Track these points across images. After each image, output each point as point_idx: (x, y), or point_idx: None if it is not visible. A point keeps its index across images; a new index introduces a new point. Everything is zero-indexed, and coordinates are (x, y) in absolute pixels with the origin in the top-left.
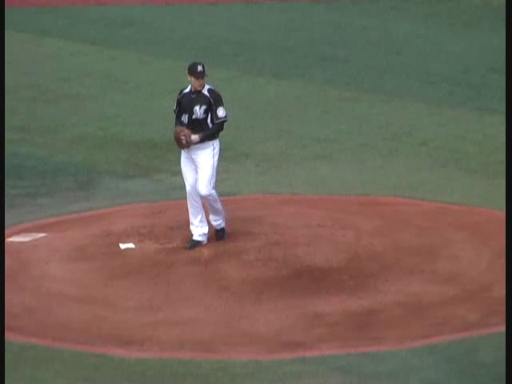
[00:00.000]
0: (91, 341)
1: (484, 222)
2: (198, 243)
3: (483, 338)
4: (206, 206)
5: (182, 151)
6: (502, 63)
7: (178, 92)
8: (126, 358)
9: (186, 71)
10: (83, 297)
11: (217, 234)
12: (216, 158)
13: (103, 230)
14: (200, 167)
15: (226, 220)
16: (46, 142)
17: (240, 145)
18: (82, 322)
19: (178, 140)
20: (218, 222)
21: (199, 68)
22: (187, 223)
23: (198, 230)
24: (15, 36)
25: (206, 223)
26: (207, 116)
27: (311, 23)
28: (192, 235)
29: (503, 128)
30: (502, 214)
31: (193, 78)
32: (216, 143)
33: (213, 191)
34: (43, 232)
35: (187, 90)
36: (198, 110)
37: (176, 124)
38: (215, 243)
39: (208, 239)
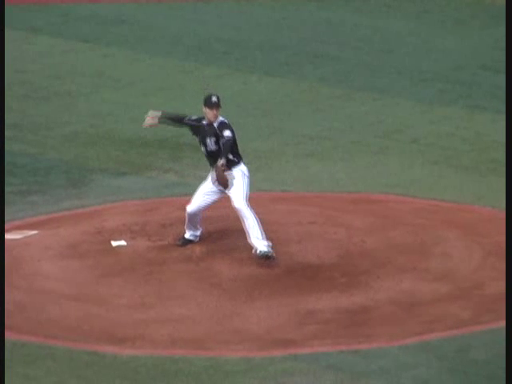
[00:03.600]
0: (83, 338)
1: (476, 220)
2: (188, 242)
3: (475, 335)
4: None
5: (209, 176)
6: (493, 61)
7: (198, 118)
8: (118, 356)
9: (202, 104)
10: (75, 294)
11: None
12: (246, 179)
13: (95, 228)
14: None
15: (270, 246)
16: (37, 140)
17: None
18: (74, 319)
19: (223, 179)
20: (257, 243)
21: (213, 99)
22: (179, 221)
23: (191, 231)
24: (6, 34)
25: (199, 228)
26: (219, 147)
27: (302, 21)
28: (184, 233)
29: (494, 126)
30: (494, 212)
31: (207, 109)
32: (243, 168)
33: (247, 206)
34: (35, 229)
35: (205, 122)
36: (210, 142)
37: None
38: (207, 241)
39: (200, 238)
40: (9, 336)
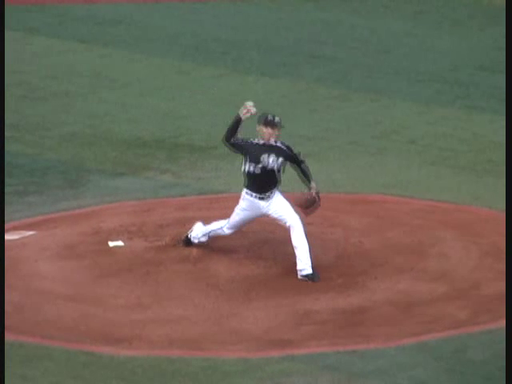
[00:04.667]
0: (80, 339)
1: (473, 220)
2: (190, 243)
3: (472, 336)
4: (293, 241)
5: (249, 206)
6: (490, 62)
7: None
8: (115, 356)
9: (258, 122)
10: (72, 295)
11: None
12: (282, 194)
13: (92, 228)
14: (279, 212)
15: (313, 266)
16: (34, 140)
17: None
18: (71, 319)
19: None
20: (301, 266)
21: (274, 118)
22: (176, 221)
23: (200, 239)
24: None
25: (207, 238)
26: (278, 167)
27: (299, 21)
28: (190, 233)
29: (491, 126)
30: (491, 212)
31: (265, 128)
32: (277, 189)
33: (301, 221)
34: (32, 230)
35: (255, 141)
36: (267, 160)
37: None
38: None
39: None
40: (6, 336)
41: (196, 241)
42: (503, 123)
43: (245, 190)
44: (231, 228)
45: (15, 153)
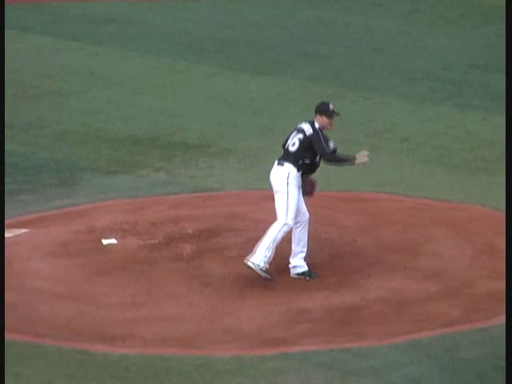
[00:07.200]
0: (74, 337)
1: (466, 219)
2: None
3: (465, 334)
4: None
5: (296, 186)
6: (483, 60)
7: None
8: (108, 354)
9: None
10: (66, 293)
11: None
12: None
13: (86, 226)
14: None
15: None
16: (28, 139)
17: (223, 141)
18: (65, 318)
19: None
20: (295, 262)
21: (332, 107)
22: (169, 219)
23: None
24: None
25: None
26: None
27: (294, 20)
28: (259, 265)
29: (484, 124)
30: (484, 210)
31: (326, 118)
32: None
33: None
34: (25, 228)
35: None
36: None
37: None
38: (197, 240)
39: (189, 237)
40: None
41: (267, 259)
42: (496, 121)
43: (295, 170)
44: (294, 216)
45: (8, 151)
